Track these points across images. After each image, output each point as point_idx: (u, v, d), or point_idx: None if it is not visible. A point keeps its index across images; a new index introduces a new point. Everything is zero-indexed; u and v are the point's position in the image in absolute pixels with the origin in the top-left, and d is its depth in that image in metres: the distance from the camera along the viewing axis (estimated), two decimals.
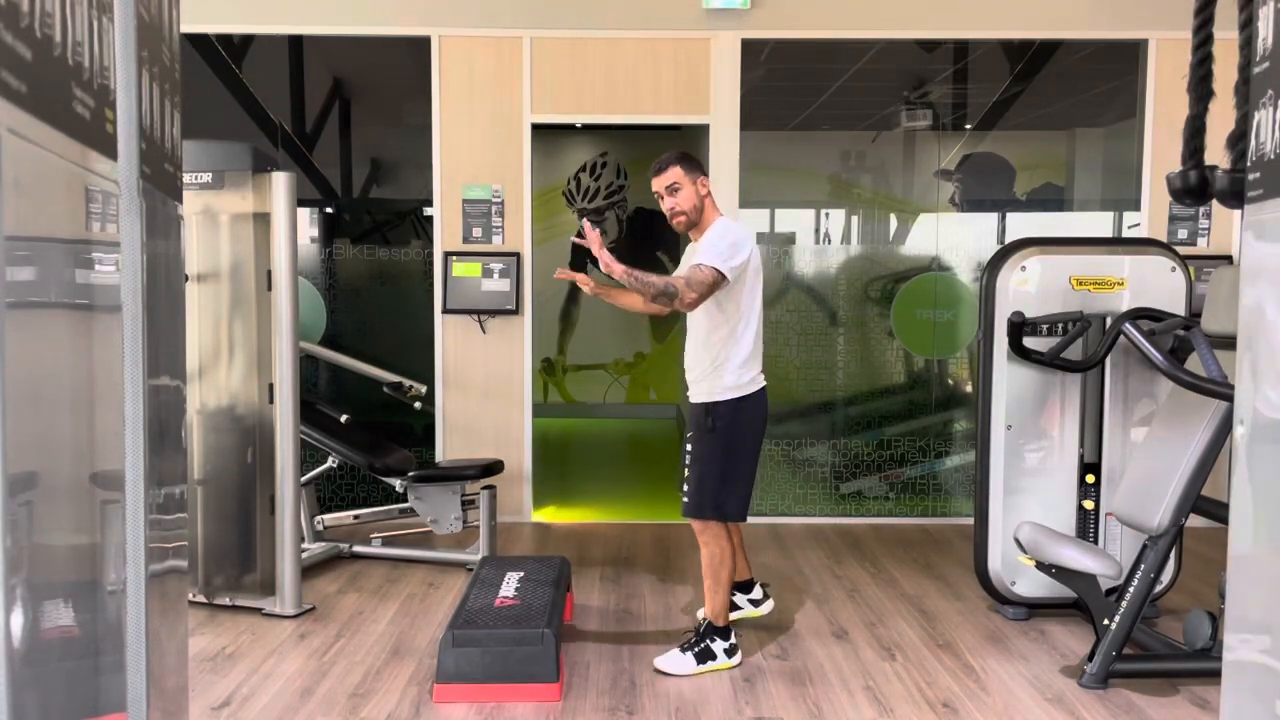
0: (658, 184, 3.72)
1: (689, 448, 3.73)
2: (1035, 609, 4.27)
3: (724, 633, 3.71)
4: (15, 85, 1.12)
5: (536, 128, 5.78)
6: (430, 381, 5.61)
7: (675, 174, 3.68)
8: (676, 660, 3.67)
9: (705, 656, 3.67)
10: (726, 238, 3.59)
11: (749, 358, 3.67)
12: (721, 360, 3.66)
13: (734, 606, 4.06)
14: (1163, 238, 5.68)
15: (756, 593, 4.13)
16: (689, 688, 3.54)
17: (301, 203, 5.01)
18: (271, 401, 4.24)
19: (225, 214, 4.31)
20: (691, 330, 3.77)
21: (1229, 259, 5.69)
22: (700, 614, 3.92)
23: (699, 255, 3.60)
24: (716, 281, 3.52)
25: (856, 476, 6.14)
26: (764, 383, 3.76)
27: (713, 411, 3.67)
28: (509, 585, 3.89)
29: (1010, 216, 6.26)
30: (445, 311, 5.77)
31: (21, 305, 1.17)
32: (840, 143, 6.49)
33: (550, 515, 5.99)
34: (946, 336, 6.09)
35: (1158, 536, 3.57)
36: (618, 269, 3.43)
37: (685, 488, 3.72)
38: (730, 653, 3.70)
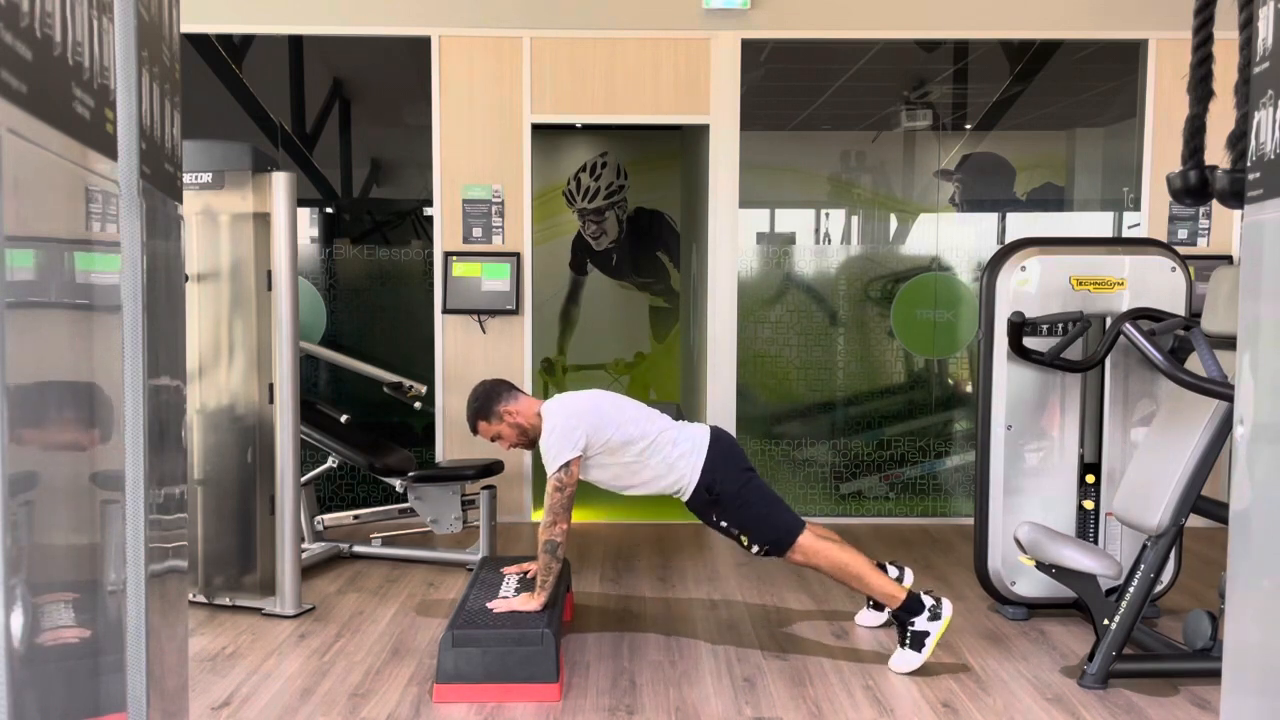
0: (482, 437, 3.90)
1: (722, 524, 3.77)
2: (1035, 609, 4.27)
3: (914, 607, 3.62)
4: (15, 85, 1.12)
5: (536, 128, 5.78)
6: (430, 381, 5.61)
7: (482, 429, 3.86)
8: (902, 658, 3.63)
9: (919, 641, 3.61)
10: (551, 436, 3.69)
11: (671, 446, 3.76)
12: (669, 469, 3.75)
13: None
14: (1163, 238, 5.68)
15: (891, 572, 4.07)
16: (689, 687, 3.54)
17: (301, 203, 5.01)
18: (271, 401, 4.24)
19: (225, 214, 4.31)
20: (632, 487, 3.83)
21: (1229, 259, 5.69)
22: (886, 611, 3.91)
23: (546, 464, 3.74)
24: (565, 480, 3.65)
25: (856, 476, 6.14)
26: (704, 433, 3.81)
27: (705, 488, 3.74)
28: (509, 585, 3.89)
29: (1010, 216, 6.26)
30: (445, 311, 5.77)
31: (21, 305, 1.17)
32: (840, 143, 6.48)
33: None
34: (946, 336, 6.09)
35: (1157, 536, 3.57)
36: (539, 599, 3.61)
37: (755, 549, 3.75)
38: (934, 615, 3.60)
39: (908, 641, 3.62)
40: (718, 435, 3.84)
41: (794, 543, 3.69)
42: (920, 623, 3.60)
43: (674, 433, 3.79)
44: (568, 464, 3.64)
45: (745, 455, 3.90)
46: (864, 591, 3.76)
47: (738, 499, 3.72)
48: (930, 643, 3.59)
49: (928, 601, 3.63)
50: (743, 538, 3.75)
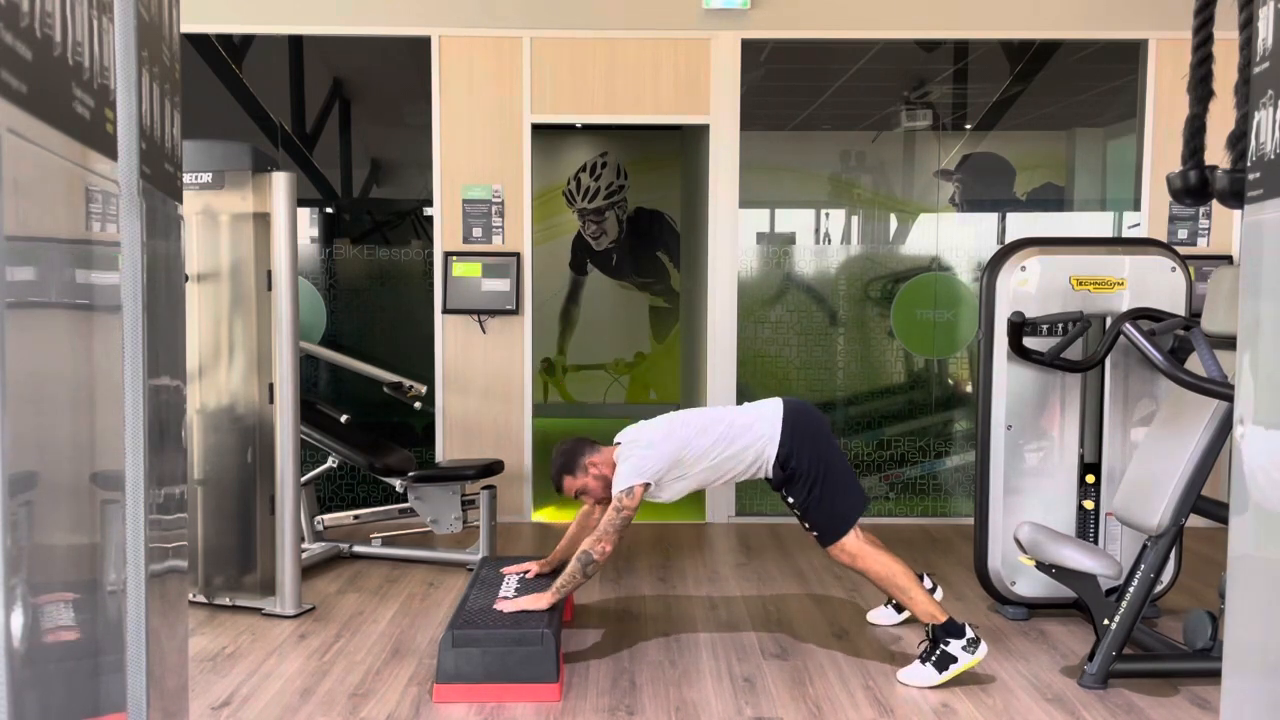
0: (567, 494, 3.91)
1: (789, 500, 3.72)
2: (1035, 609, 4.27)
3: (954, 630, 3.54)
4: (15, 85, 1.12)
5: (536, 128, 5.78)
6: (430, 381, 5.61)
7: (568, 485, 3.85)
8: (918, 673, 3.55)
9: (945, 662, 3.51)
10: (625, 464, 3.67)
11: (745, 433, 3.72)
12: (748, 453, 3.70)
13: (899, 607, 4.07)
14: (1163, 238, 5.68)
15: (926, 583, 4.02)
16: (689, 687, 3.54)
17: (301, 203, 5.01)
18: (271, 401, 4.24)
19: (225, 214, 4.31)
20: (717, 480, 3.83)
21: (1229, 259, 5.69)
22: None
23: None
24: (626, 503, 3.61)
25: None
26: (776, 409, 3.76)
27: (781, 464, 3.68)
28: (509, 585, 3.89)
29: (1010, 216, 6.26)
30: (445, 311, 5.77)
31: (21, 305, 1.17)
32: (840, 143, 6.49)
33: (550, 515, 5.99)
34: (946, 336, 6.09)
35: (1158, 536, 3.57)
36: (548, 599, 3.61)
37: (807, 526, 3.71)
38: (971, 647, 3.50)
39: (933, 659, 3.53)
40: (792, 408, 3.77)
41: (837, 540, 3.64)
42: (954, 648, 3.51)
43: (745, 418, 3.75)
44: (632, 488, 3.60)
45: (826, 425, 3.83)
46: (906, 604, 3.66)
47: (809, 476, 3.65)
48: (955, 670, 3.50)
49: (969, 631, 3.54)
50: (804, 521, 3.70)
